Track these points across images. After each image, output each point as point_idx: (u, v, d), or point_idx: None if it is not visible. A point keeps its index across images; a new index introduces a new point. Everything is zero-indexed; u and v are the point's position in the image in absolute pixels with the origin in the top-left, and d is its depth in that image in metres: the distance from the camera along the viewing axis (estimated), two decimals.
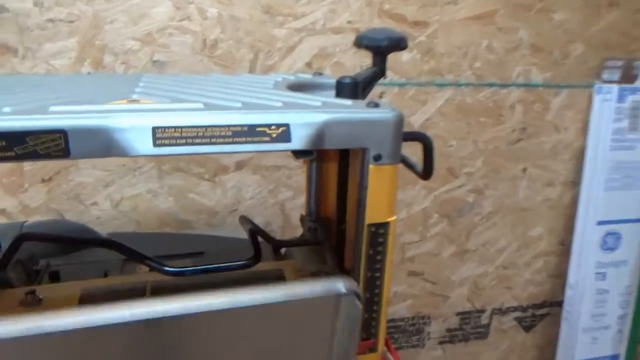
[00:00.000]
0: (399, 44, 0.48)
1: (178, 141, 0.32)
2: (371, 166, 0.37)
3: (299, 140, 0.34)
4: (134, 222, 0.81)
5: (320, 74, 0.56)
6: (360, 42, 0.48)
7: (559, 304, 1.12)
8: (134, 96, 0.37)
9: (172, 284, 0.41)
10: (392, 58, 0.48)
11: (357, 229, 0.40)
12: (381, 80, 0.47)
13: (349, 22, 0.81)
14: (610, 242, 1.03)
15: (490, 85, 0.92)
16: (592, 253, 1.02)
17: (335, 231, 0.50)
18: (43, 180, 0.74)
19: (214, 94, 0.39)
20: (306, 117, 0.35)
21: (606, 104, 0.97)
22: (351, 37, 0.80)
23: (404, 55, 0.86)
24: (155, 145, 0.31)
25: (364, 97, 0.44)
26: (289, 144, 0.34)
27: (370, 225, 0.39)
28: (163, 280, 0.41)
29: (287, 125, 0.34)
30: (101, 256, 0.56)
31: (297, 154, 0.37)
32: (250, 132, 0.33)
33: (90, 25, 0.71)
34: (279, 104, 0.37)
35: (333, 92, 0.43)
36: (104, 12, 0.71)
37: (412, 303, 1.05)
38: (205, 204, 0.83)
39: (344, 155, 0.45)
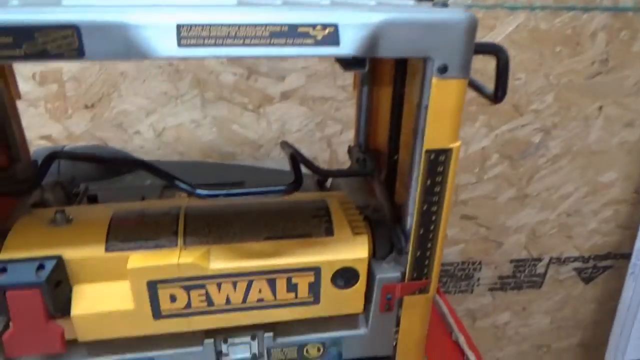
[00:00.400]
0: None
1: (206, 41, 0.27)
2: (434, 80, 0.31)
3: (349, 45, 0.29)
4: (177, 153, 0.79)
5: None
6: None
7: (626, 256, 1.04)
8: None
9: (206, 209, 0.37)
10: None
11: (413, 155, 0.34)
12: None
13: None
14: None
15: (570, 9, 0.80)
16: None
17: (386, 163, 0.45)
18: (86, 107, 0.73)
19: None
20: (358, 17, 0.29)
21: None
22: None
23: None
24: (180, 45, 0.27)
25: None
26: (336, 47, 0.28)
27: (428, 151, 0.33)
28: (197, 206, 0.38)
29: (335, 26, 0.28)
30: (140, 182, 0.55)
31: (346, 65, 0.32)
32: (291, 33, 0.28)
33: None
34: (327, 2, 0.31)
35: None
36: None
37: (464, 248, 1.00)
38: (249, 136, 0.80)
39: (401, 72, 0.39)
